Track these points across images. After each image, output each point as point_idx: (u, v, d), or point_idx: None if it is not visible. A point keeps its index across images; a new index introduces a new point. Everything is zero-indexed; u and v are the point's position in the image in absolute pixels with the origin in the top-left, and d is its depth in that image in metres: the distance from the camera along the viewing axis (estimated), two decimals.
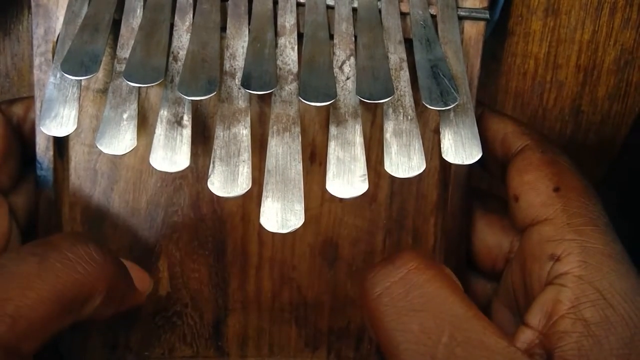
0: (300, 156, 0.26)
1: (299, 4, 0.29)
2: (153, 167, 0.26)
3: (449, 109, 0.27)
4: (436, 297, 0.23)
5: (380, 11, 0.29)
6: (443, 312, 0.23)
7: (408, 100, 0.28)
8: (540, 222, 0.26)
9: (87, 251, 0.24)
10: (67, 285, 0.23)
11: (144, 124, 0.29)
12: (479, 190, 0.32)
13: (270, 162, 0.26)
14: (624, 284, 0.24)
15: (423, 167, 0.26)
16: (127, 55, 0.27)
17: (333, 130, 0.27)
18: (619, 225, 0.27)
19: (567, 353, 0.22)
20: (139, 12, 0.28)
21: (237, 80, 0.27)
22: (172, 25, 0.28)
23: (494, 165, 0.31)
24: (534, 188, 0.27)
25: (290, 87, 0.28)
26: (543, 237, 0.26)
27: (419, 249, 0.31)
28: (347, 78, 0.28)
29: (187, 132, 0.26)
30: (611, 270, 0.24)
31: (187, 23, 0.28)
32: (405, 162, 0.26)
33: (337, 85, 0.27)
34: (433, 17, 0.30)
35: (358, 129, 0.27)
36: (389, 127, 0.27)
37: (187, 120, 0.27)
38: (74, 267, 0.24)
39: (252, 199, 0.30)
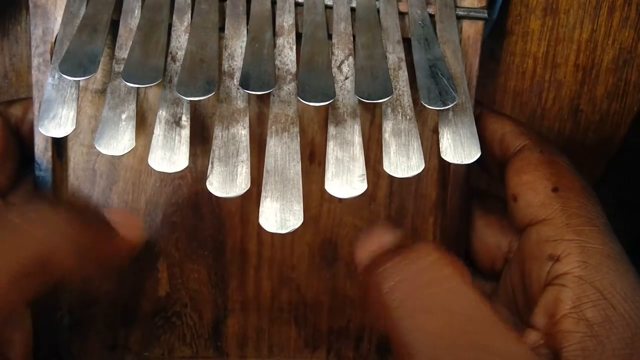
0: (299, 156, 0.26)
1: (297, 4, 0.29)
2: (152, 168, 0.26)
3: (447, 109, 0.27)
4: (456, 296, 0.21)
5: (378, 11, 0.29)
6: (463, 313, 0.21)
7: (407, 99, 0.28)
8: (539, 222, 0.26)
9: (37, 212, 0.23)
10: (20, 253, 0.22)
11: (143, 125, 0.29)
12: (477, 190, 0.32)
13: (269, 162, 0.26)
14: (623, 283, 0.24)
15: (422, 166, 0.26)
16: (125, 55, 0.27)
17: (332, 130, 0.27)
18: (617, 224, 0.27)
19: (572, 354, 0.22)
20: (137, 12, 0.28)
21: (235, 80, 0.27)
22: (170, 26, 0.28)
23: (492, 165, 0.31)
24: (533, 188, 0.27)
25: (289, 87, 0.28)
26: (542, 237, 0.26)
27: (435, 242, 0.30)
28: (346, 78, 0.28)
29: (185, 132, 0.26)
30: (611, 270, 0.24)
31: (186, 23, 0.28)
32: (404, 161, 0.26)
33: (335, 85, 0.27)
34: (431, 16, 0.30)
35: (357, 128, 0.27)
36: (387, 127, 0.27)
37: (185, 120, 0.27)
38: (25, 232, 0.22)
39: (251, 199, 0.30)
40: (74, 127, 0.26)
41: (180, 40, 0.28)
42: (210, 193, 0.25)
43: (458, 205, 0.30)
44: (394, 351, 0.22)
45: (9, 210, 0.23)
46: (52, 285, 0.23)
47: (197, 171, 0.30)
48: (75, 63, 0.26)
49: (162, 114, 0.27)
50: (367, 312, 0.32)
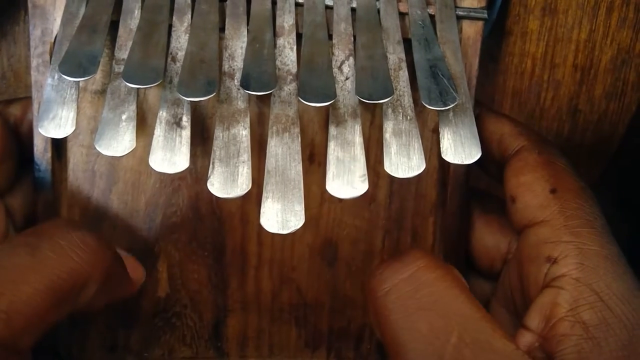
0: (300, 156, 0.26)
1: (297, 4, 0.29)
2: (152, 168, 0.25)
3: (448, 109, 0.27)
4: (445, 296, 0.23)
5: (379, 11, 0.29)
6: (452, 312, 0.22)
7: (407, 100, 0.28)
8: (537, 224, 0.26)
9: (81, 238, 0.24)
10: (62, 275, 0.23)
11: (143, 125, 0.29)
12: (477, 190, 0.32)
13: (270, 162, 0.26)
14: (620, 285, 0.24)
15: (423, 167, 0.26)
16: (125, 56, 0.27)
17: (332, 130, 0.27)
18: (615, 225, 0.27)
19: (567, 357, 0.22)
20: (137, 13, 0.28)
21: (236, 80, 0.27)
22: (170, 26, 0.28)
23: (491, 166, 0.31)
24: (531, 189, 0.27)
25: (290, 88, 0.28)
26: (540, 239, 0.26)
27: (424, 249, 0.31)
28: (346, 78, 0.28)
29: (186, 133, 0.26)
30: (608, 272, 0.24)
31: (186, 24, 0.28)
32: (405, 162, 0.26)
33: (336, 85, 0.27)
34: (431, 17, 0.30)
35: (357, 129, 0.27)
36: (388, 127, 0.27)
37: (186, 121, 0.27)
38: (68, 256, 0.23)
39: (251, 199, 0.30)
40: (74, 128, 0.26)
41: (181, 40, 0.28)
42: (211, 194, 0.25)
43: (458, 205, 0.30)
44: (388, 351, 0.23)
45: (53, 232, 0.24)
46: (75, 310, 0.24)
47: (197, 172, 0.30)
48: (75, 64, 0.25)
49: (163, 114, 0.27)
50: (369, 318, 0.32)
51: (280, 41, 0.28)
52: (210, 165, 0.25)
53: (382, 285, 0.23)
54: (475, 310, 0.23)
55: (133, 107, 0.27)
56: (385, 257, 0.30)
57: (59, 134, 0.26)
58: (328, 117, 0.27)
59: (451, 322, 0.22)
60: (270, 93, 0.27)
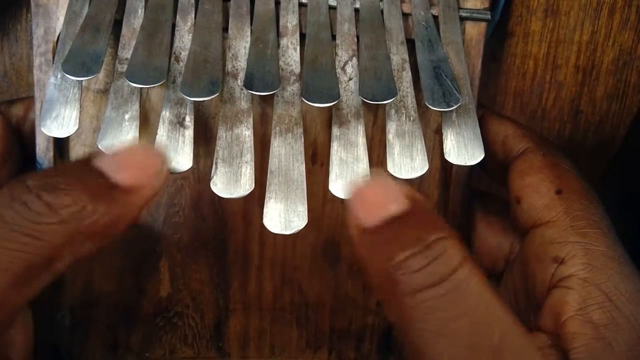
0: (303, 157, 0.26)
1: (301, 5, 0.29)
2: None
3: (451, 110, 0.27)
4: (484, 299, 0.21)
5: (382, 12, 0.29)
6: (491, 317, 0.20)
7: (410, 100, 0.28)
8: (543, 225, 0.26)
9: (34, 209, 0.21)
10: (15, 261, 0.20)
11: (146, 125, 0.29)
12: (479, 191, 0.32)
13: (273, 163, 0.26)
14: (628, 285, 0.24)
15: (426, 167, 0.26)
16: (128, 55, 0.27)
17: (335, 131, 0.27)
18: (617, 225, 0.27)
19: (580, 355, 0.22)
20: (141, 12, 0.28)
21: (239, 81, 0.27)
22: (174, 26, 0.28)
23: (494, 167, 0.31)
24: (536, 191, 0.27)
25: (293, 88, 0.28)
26: (546, 240, 0.26)
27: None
28: (350, 79, 0.28)
29: (189, 133, 0.26)
30: (615, 272, 0.24)
31: (189, 23, 0.28)
32: (408, 162, 0.26)
33: (339, 86, 0.27)
34: (435, 17, 0.30)
35: (360, 129, 0.27)
36: (391, 128, 0.27)
37: (189, 121, 0.27)
38: (18, 238, 0.20)
39: (254, 199, 0.30)
40: (77, 127, 0.26)
41: (184, 40, 0.28)
42: (213, 193, 0.25)
43: (460, 206, 0.30)
44: (408, 349, 0.21)
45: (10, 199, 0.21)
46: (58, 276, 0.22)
47: (199, 172, 0.30)
48: (78, 63, 0.25)
49: (166, 114, 0.27)
50: (374, 306, 0.31)
51: (283, 41, 0.28)
52: (213, 165, 0.25)
53: (410, 281, 0.21)
54: (510, 315, 0.21)
55: (136, 106, 0.27)
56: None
57: (61, 133, 0.26)
58: (331, 118, 0.27)
59: (491, 328, 0.20)
60: (274, 93, 0.27)
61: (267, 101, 0.29)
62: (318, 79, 0.26)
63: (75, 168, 0.23)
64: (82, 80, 0.26)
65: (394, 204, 0.22)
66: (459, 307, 0.20)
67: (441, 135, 0.27)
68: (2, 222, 0.21)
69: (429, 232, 0.21)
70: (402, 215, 0.21)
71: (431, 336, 0.20)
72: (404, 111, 0.27)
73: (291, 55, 0.28)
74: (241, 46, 0.28)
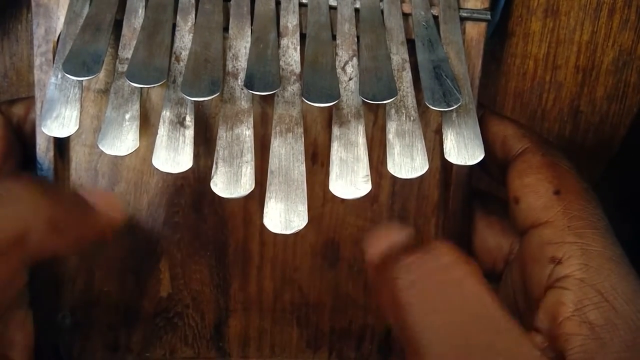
0: (303, 157, 0.26)
1: (301, 5, 0.29)
2: (155, 168, 0.25)
3: (451, 110, 0.27)
4: (472, 296, 0.21)
5: (382, 12, 0.29)
6: (478, 313, 0.21)
7: (411, 100, 0.28)
8: (541, 225, 0.26)
9: (10, 192, 0.23)
10: None
11: (146, 125, 0.29)
12: (479, 191, 0.32)
13: (274, 162, 0.26)
14: (625, 286, 0.24)
15: (426, 167, 0.26)
16: (129, 55, 0.27)
17: (336, 131, 0.27)
18: (617, 225, 0.27)
19: (575, 356, 0.22)
20: (141, 12, 0.28)
21: (239, 80, 0.27)
22: (174, 26, 0.28)
23: (493, 167, 0.31)
24: (535, 191, 0.27)
25: (293, 88, 0.28)
26: (544, 240, 0.26)
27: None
28: (350, 79, 0.28)
29: (189, 132, 0.26)
30: (612, 272, 0.24)
31: (190, 23, 0.28)
32: (408, 162, 0.26)
33: (339, 85, 0.27)
34: (435, 17, 0.30)
35: (361, 129, 0.27)
36: (391, 128, 0.27)
37: (189, 120, 0.27)
38: None
39: (254, 199, 0.30)
40: (77, 127, 0.26)
41: (185, 40, 0.28)
42: (213, 193, 0.25)
43: (460, 206, 0.30)
44: (404, 346, 0.22)
45: None
46: (32, 262, 0.24)
47: (199, 172, 0.30)
48: (79, 63, 0.25)
49: (166, 114, 0.27)
50: (375, 307, 0.31)
51: (284, 41, 0.28)
52: (214, 165, 0.25)
53: (404, 277, 0.22)
54: (503, 313, 0.21)
55: (136, 106, 0.27)
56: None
57: (62, 133, 0.26)
58: (331, 118, 0.27)
59: (482, 325, 0.21)
60: (274, 93, 0.27)
61: (268, 101, 0.29)
62: (318, 79, 0.26)
63: None
64: (82, 80, 0.26)
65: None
66: (454, 304, 0.21)
67: (441, 135, 0.27)
68: None
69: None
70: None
71: (426, 333, 0.21)
72: (404, 111, 0.27)
73: (291, 55, 0.28)
74: (242, 46, 0.28)
